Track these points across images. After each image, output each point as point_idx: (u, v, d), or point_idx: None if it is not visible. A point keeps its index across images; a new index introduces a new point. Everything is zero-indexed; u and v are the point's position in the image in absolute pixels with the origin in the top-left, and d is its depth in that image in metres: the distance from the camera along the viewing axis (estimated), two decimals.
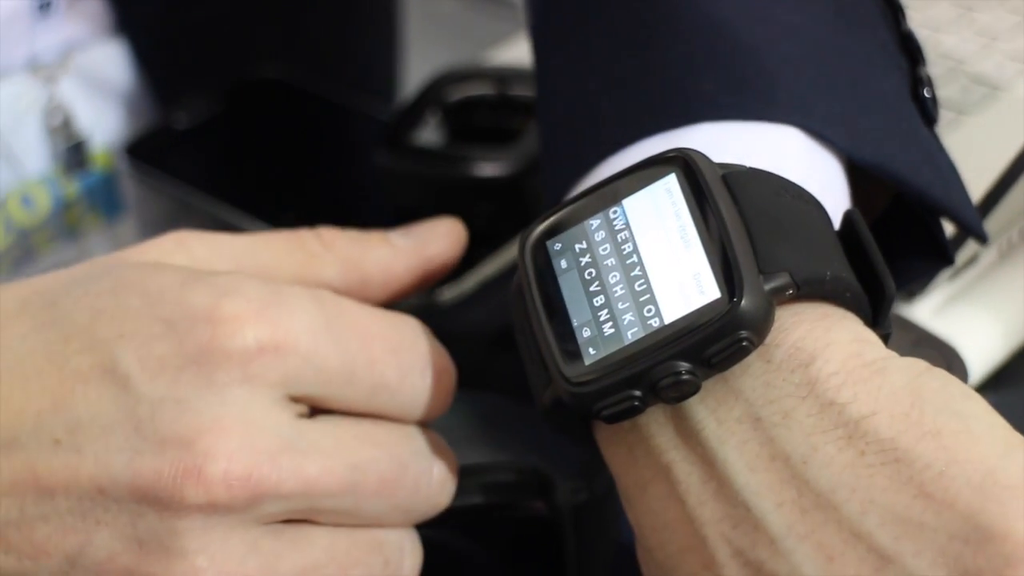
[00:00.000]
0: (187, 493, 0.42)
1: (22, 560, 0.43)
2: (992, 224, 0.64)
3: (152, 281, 0.45)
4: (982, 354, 0.66)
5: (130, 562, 0.43)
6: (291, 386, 0.45)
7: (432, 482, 0.48)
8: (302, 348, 0.44)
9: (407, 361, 0.48)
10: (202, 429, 0.42)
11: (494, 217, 0.80)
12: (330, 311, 0.46)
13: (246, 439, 0.43)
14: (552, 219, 0.48)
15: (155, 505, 0.42)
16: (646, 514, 0.46)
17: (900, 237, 0.51)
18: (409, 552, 0.48)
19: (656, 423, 0.45)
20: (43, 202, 0.82)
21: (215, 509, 0.42)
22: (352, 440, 0.46)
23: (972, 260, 0.66)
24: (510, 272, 0.77)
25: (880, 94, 0.55)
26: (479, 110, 0.86)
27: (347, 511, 0.46)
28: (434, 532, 0.56)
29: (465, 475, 0.53)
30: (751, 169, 0.47)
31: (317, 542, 0.45)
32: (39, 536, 0.43)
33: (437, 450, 0.49)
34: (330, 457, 0.45)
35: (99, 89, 0.85)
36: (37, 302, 0.45)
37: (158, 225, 0.79)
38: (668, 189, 0.46)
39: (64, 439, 0.43)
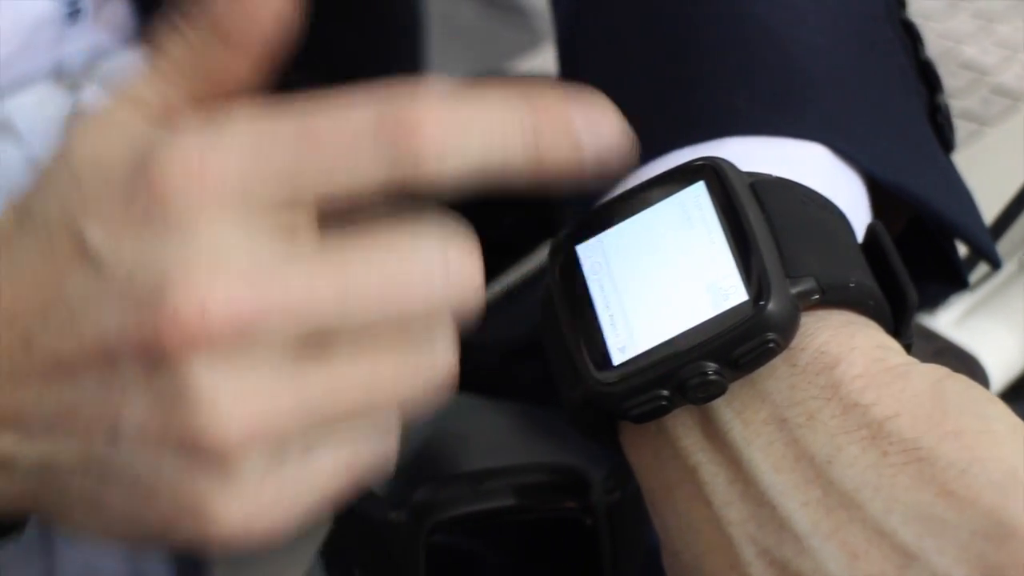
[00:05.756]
0: (168, 338, 0.41)
1: (81, 445, 0.43)
2: (1014, 234, 0.65)
3: (101, 151, 0.44)
4: (1002, 364, 0.66)
5: (161, 422, 0.42)
6: (249, 205, 0.42)
7: (449, 269, 0.43)
8: (233, 166, 0.42)
9: (355, 137, 0.42)
10: (169, 273, 0.41)
11: (517, 227, 0.80)
12: (270, 117, 0.43)
13: (215, 271, 0.41)
14: (582, 224, 0.49)
15: (154, 360, 0.41)
16: (672, 516, 0.46)
17: (915, 261, 0.52)
18: (440, 341, 0.44)
19: (683, 426, 0.46)
20: None
21: (207, 349, 0.41)
22: (339, 251, 0.42)
23: (993, 271, 0.67)
24: (533, 281, 0.77)
25: (901, 117, 0.56)
26: None
27: (359, 324, 0.43)
28: (464, 537, 0.57)
29: (498, 476, 0.54)
30: (778, 178, 0.48)
31: (339, 353, 0.43)
32: (83, 417, 0.43)
33: (444, 232, 0.43)
34: (316, 272, 0.42)
35: None
36: (22, 212, 0.45)
37: None
38: (697, 195, 0.47)
39: (67, 324, 0.43)
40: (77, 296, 0.43)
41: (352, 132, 0.42)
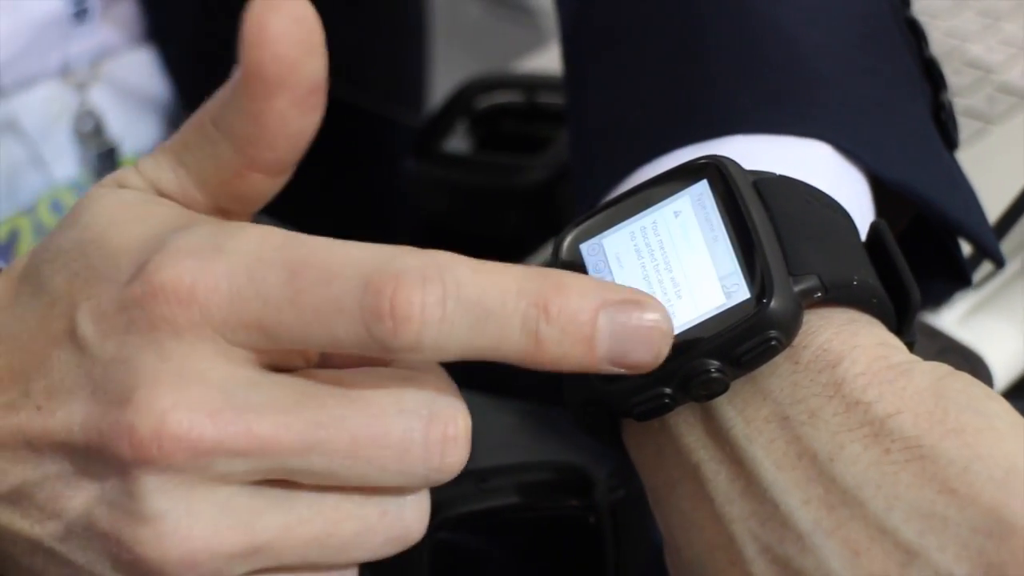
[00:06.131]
0: (123, 452, 0.41)
1: (33, 525, 0.44)
2: (1018, 233, 0.65)
3: (113, 239, 0.44)
4: (1006, 362, 0.66)
5: (109, 526, 0.42)
6: (232, 335, 0.42)
7: (429, 442, 0.42)
8: (222, 294, 0.41)
9: (339, 305, 0.41)
10: (138, 387, 0.41)
11: (522, 224, 0.80)
12: (270, 249, 0.42)
13: (182, 395, 0.41)
14: (586, 223, 0.48)
15: (108, 466, 0.42)
16: (674, 513, 0.47)
17: (919, 259, 0.52)
18: (411, 504, 0.44)
19: (685, 423, 0.46)
20: None
21: (160, 467, 0.41)
22: (317, 395, 0.42)
23: (997, 270, 0.67)
24: None
25: (905, 116, 0.56)
26: (507, 118, 0.86)
27: (323, 473, 0.42)
28: (469, 535, 0.57)
29: (503, 474, 0.53)
30: (781, 176, 0.48)
31: (301, 498, 0.43)
32: (38, 499, 0.43)
33: (439, 406, 0.43)
34: (286, 413, 0.41)
35: (130, 96, 0.85)
36: (32, 272, 0.45)
37: None
38: (700, 194, 0.47)
39: (43, 403, 0.43)
40: (59, 373, 0.43)
41: (337, 298, 0.41)
